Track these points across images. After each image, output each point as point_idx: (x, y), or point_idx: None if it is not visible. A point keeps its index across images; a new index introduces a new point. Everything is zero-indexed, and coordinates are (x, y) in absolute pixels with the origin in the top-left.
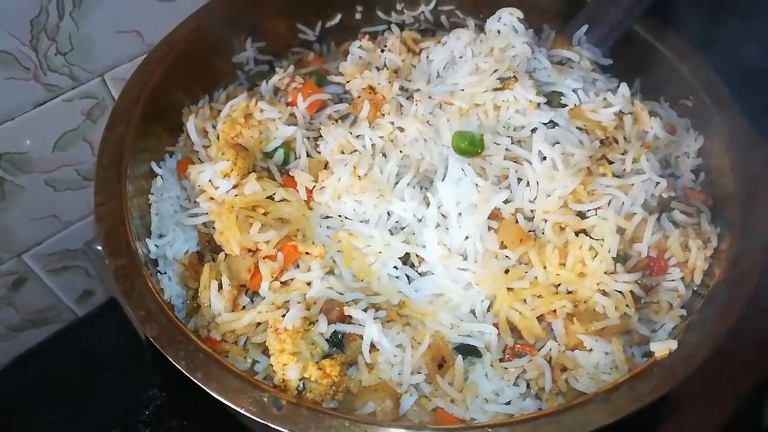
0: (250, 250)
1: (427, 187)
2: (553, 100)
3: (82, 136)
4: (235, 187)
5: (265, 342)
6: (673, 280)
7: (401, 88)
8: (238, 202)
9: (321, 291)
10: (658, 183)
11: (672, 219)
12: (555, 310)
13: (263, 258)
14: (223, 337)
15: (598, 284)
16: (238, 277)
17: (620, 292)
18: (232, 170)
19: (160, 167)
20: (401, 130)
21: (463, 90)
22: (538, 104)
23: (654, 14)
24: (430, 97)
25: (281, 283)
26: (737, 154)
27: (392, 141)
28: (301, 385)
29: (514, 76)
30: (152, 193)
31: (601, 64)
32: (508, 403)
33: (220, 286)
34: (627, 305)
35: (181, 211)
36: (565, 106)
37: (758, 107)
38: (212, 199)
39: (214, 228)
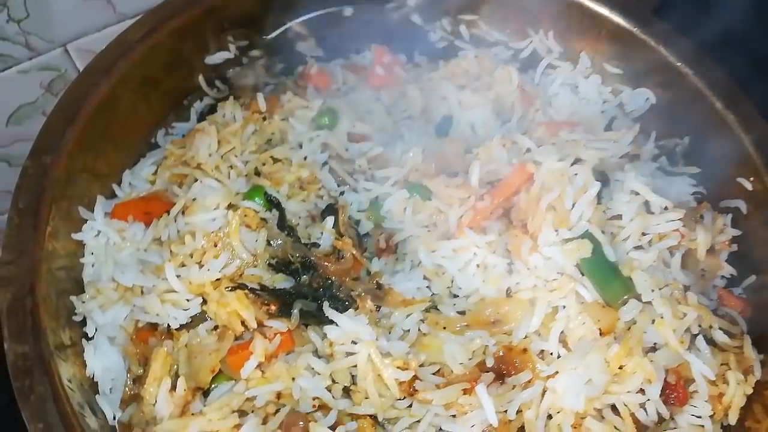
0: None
1: None
2: None
3: (41, 109)
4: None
5: None
6: (699, 416)
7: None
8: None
9: (312, 384)
10: None
11: (710, 338)
12: None
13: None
14: None
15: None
16: (197, 377)
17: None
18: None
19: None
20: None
21: None
22: None
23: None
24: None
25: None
26: None
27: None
28: None
29: None
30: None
31: None
32: None
33: (174, 386)
34: None
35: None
36: None
37: None
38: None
39: None
